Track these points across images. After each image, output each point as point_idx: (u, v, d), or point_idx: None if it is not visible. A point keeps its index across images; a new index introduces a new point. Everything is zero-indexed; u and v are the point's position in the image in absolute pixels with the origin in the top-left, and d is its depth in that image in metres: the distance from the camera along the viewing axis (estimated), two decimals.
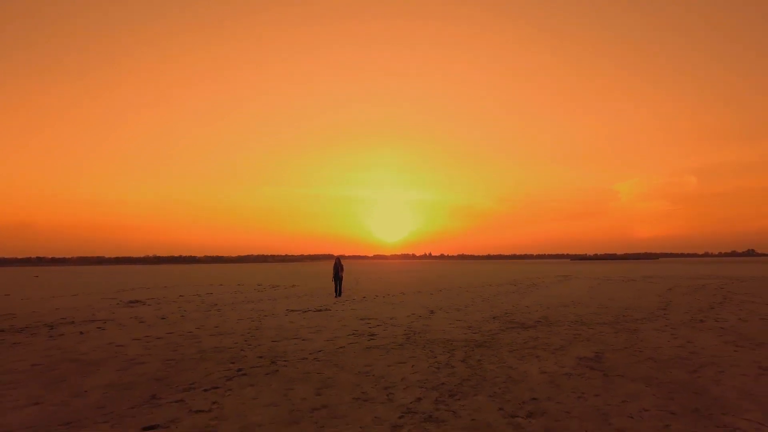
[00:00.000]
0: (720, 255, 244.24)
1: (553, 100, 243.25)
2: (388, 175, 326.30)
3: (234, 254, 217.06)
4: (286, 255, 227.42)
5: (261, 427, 4.12)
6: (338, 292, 17.96)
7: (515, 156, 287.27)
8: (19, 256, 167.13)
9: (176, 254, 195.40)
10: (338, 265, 18.33)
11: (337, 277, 18.13)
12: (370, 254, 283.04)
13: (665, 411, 4.42)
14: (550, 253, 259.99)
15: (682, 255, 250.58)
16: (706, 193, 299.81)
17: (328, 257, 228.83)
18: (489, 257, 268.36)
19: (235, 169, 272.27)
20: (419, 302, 15.30)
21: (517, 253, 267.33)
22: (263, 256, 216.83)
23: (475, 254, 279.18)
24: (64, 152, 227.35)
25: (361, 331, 9.36)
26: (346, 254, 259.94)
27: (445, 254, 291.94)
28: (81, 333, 9.65)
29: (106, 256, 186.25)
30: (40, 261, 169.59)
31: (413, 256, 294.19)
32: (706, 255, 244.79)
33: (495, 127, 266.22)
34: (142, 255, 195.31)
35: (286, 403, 4.80)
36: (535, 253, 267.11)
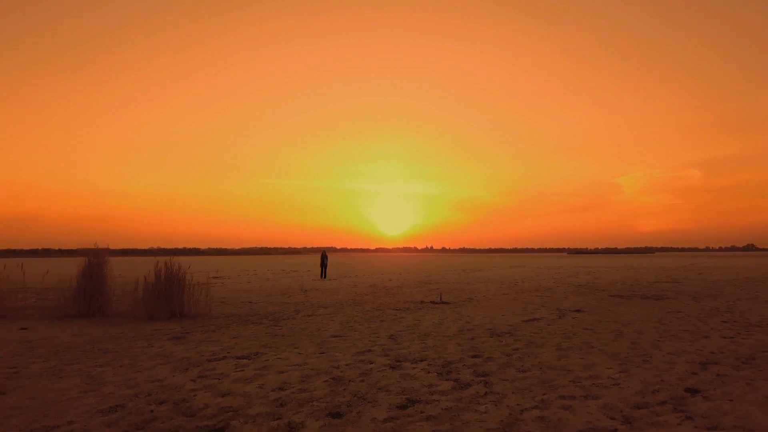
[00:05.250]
0: (720, 249, 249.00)
1: (554, 93, 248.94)
2: (389, 168, 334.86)
3: (237, 246, 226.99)
4: (289, 247, 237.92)
5: (318, 299, 15.41)
6: (323, 275, 26.27)
7: (517, 149, 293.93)
8: (25, 248, 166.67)
9: (179, 246, 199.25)
10: (324, 255, 28.23)
11: (323, 264, 27.09)
12: (373, 247, 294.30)
13: (433, 290, 15.54)
14: (552, 246, 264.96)
15: (683, 249, 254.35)
16: (710, 187, 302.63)
17: (330, 250, 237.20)
18: (490, 251, 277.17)
19: (236, 161, 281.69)
20: (386, 277, 26.52)
21: (519, 246, 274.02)
22: (266, 248, 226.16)
23: (477, 248, 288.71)
24: (69, 144, 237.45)
25: (351, 285, 20.64)
26: (349, 247, 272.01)
27: (447, 247, 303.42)
28: (222, 284, 20.96)
29: (112, 248, 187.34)
30: (47, 252, 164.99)
31: (415, 249, 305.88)
32: (707, 249, 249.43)
33: (496, 120, 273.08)
34: (147, 247, 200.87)
35: (325, 295, 16.15)
36: (536, 246, 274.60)
